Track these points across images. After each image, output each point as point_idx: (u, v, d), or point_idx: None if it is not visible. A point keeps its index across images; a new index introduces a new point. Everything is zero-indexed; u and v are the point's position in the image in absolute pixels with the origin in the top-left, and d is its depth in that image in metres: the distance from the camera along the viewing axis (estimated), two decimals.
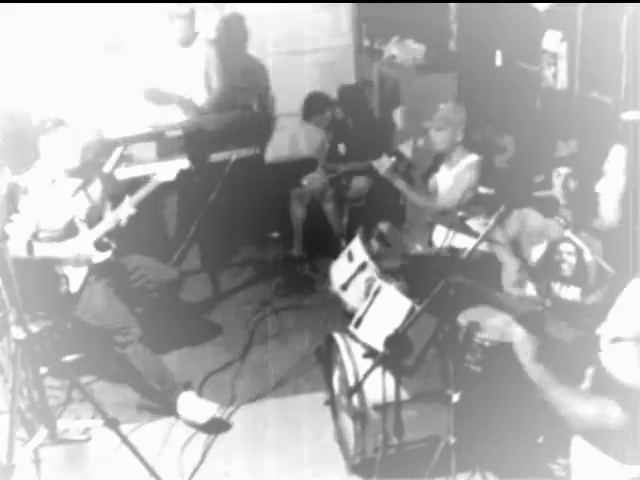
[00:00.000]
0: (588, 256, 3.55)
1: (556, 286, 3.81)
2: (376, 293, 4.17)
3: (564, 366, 2.65)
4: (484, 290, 3.32)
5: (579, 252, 3.64)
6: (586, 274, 3.60)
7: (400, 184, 5.34)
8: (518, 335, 2.75)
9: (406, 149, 5.91)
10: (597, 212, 2.62)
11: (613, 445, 2.39)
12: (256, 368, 5.28)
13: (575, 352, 3.23)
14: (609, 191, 2.33)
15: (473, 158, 5.14)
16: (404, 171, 5.61)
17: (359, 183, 6.59)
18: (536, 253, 3.99)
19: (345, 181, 6.66)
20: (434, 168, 5.37)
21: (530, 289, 3.97)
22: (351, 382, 3.90)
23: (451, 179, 5.20)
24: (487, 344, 3.52)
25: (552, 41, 4.89)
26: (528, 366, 2.63)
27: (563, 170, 3.93)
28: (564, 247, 3.73)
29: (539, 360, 2.61)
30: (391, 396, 3.82)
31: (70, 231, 4.75)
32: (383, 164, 5.32)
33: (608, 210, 2.35)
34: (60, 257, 4.69)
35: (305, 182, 6.91)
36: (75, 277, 4.74)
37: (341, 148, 6.75)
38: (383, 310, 4.05)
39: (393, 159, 5.32)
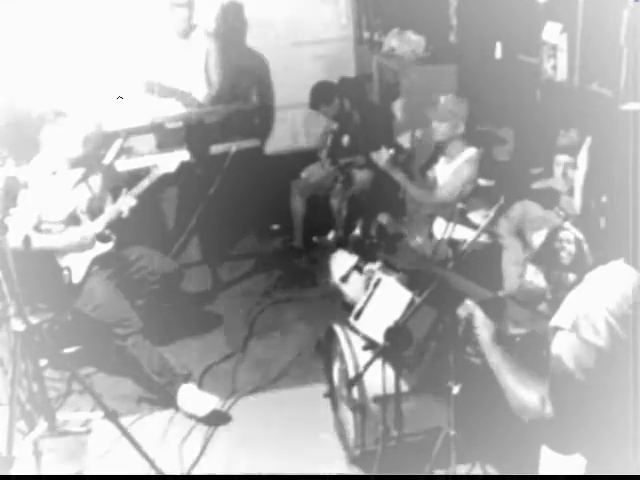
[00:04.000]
0: (587, 246, 3.54)
1: (555, 274, 3.79)
2: (376, 285, 4.17)
3: (523, 355, 2.66)
4: (452, 278, 3.31)
5: (578, 241, 3.63)
6: (585, 264, 3.60)
7: (399, 176, 5.33)
8: (478, 318, 2.75)
9: (405, 141, 5.90)
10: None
11: (552, 435, 2.41)
12: (256, 360, 5.29)
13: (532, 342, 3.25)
14: (577, 180, 2.36)
15: (472, 152, 5.13)
16: (403, 163, 5.61)
17: (362, 176, 6.57)
18: (537, 239, 3.98)
19: (350, 175, 6.63)
20: (433, 160, 5.36)
21: (531, 275, 3.96)
22: (351, 374, 3.90)
23: (450, 172, 5.19)
24: None
25: (552, 33, 4.88)
26: (486, 350, 2.63)
27: (562, 159, 3.93)
28: (564, 235, 3.72)
29: (496, 344, 2.62)
30: (391, 388, 3.81)
31: (72, 222, 4.75)
32: (382, 156, 5.30)
33: (575, 198, 2.38)
34: (63, 245, 4.70)
35: (304, 174, 6.91)
36: (77, 269, 4.74)
37: (345, 140, 6.73)
38: (383, 302, 4.05)
39: (392, 151, 5.30)
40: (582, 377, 2.22)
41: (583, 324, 2.20)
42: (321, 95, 6.75)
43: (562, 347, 2.25)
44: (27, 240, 4.30)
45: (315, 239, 6.22)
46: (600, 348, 2.18)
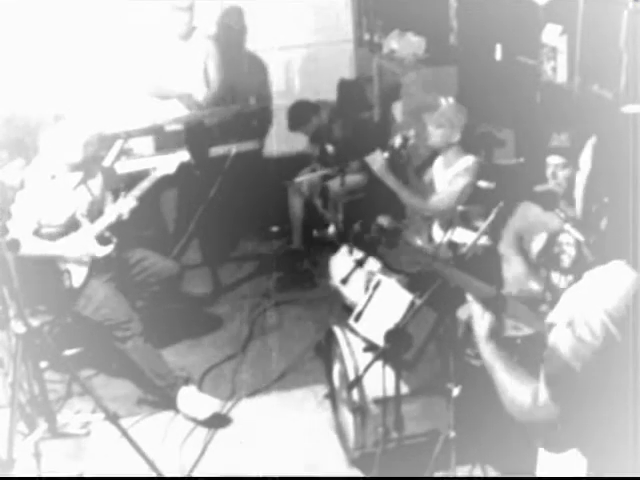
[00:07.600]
0: (587, 248, 3.54)
1: (555, 276, 3.80)
2: (376, 287, 4.17)
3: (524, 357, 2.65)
4: (455, 274, 3.30)
5: (578, 244, 3.63)
6: (585, 265, 3.60)
7: (393, 183, 5.12)
8: (475, 311, 2.73)
9: (397, 142, 5.82)
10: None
11: (543, 434, 2.40)
12: (256, 361, 5.29)
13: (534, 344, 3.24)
14: (579, 182, 2.35)
15: (469, 161, 4.96)
16: (399, 166, 5.54)
17: (354, 179, 6.52)
18: (536, 244, 3.98)
19: (339, 177, 6.56)
20: (428, 163, 5.29)
21: (532, 284, 3.95)
22: (351, 376, 3.90)
23: (446, 181, 5.07)
24: None
25: (552, 35, 4.88)
26: (480, 344, 2.61)
27: (553, 160, 3.89)
28: (564, 238, 3.72)
29: (491, 339, 2.60)
30: (391, 390, 3.82)
31: (72, 226, 4.75)
32: (376, 160, 5.18)
33: (577, 201, 2.37)
34: (63, 255, 4.70)
35: (297, 180, 6.87)
36: (77, 272, 4.74)
37: (330, 149, 6.72)
38: (383, 304, 4.05)
39: (386, 154, 5.18)
40: (577, 367, 2.20)
41: (579, 322, 2.19)
42: (297, 117, 6.76)
43: (558, 339, 2.24)
44: (14, 243, 4.19)
45: (315, 233, 6.20)
46: (594, 348, 2.17)
